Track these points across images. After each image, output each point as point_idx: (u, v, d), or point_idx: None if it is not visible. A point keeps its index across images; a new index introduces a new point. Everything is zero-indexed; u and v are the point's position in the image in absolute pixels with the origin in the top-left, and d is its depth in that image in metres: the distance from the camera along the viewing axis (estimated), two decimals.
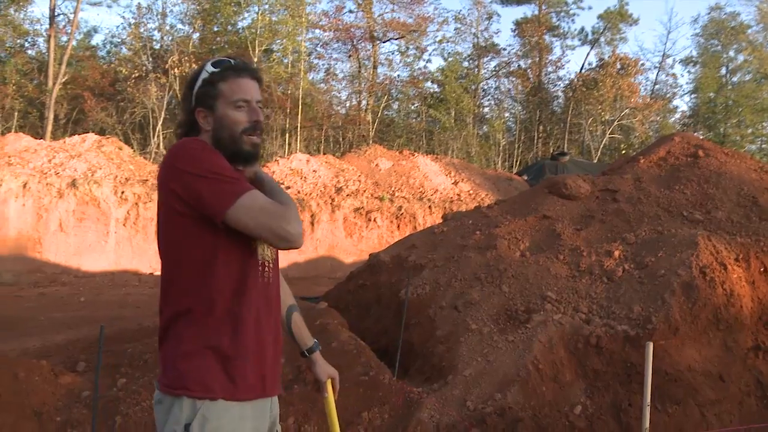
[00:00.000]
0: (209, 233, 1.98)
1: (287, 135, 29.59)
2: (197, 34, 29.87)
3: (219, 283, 2.00)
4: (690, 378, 5.68)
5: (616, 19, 40.31)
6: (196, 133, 2.15)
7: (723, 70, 44.03)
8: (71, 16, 26.39)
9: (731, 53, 43.49)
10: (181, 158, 2.00)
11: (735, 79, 43.70)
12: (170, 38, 28.93)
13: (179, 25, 29.82)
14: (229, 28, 30.34)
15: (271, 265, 2.15)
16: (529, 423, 5.20)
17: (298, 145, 28.70)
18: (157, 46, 28.75)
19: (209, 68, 2.14)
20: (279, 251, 2.22)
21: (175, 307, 2.01)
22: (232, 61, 2.16)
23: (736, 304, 6.24)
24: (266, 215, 1.95)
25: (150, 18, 28.80)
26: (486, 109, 41.39)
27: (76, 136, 20.03)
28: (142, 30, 28.39)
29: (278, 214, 1.96)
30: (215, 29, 30.34)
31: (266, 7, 29.22)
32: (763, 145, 41.76)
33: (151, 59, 27.19)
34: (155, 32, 29.44)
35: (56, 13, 26.09)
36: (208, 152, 2.02)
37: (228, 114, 2.10)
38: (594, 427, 5.31)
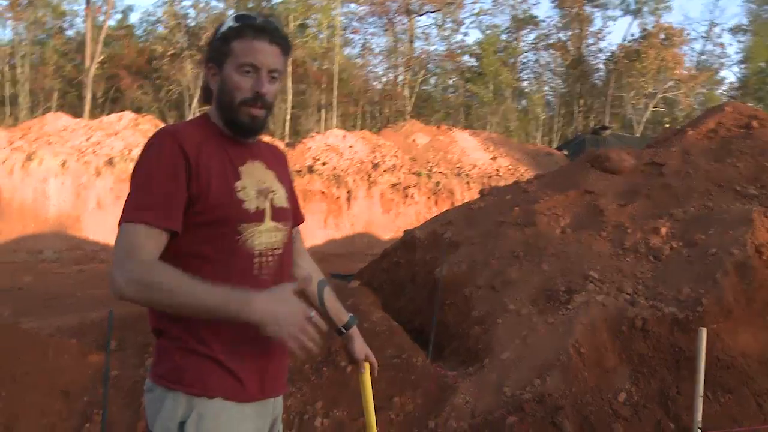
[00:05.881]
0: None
1: (323, 111, 29.44)
2: (232, 11, 29.75)
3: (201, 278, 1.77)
4: (744, 365, 5.33)
5: None
6: (210, 94, 1.94)
7: None
8: None
9: None
10: (142, 150, 1.83)
11: None
12: (205, 15, 28.88)
13: (214, 2, 29.81)
14: (264, 3, 30.16)
15: (272, 254, 1.91)
16: (569, 411, 4.92)
17: (335, 120, 28.53)
18: (192, 24, 28.75)
19: (230, 22, 1.89)
20: (291, 230, 2.01)
21: None
22: (256, 18, 1.89)
23: None
24: (116, 251, 1.72)
25: None
26: (525, 83, 40.79)
27: (113, 114, 20.16)
28: (177, 7, 28.37)
29: (117, 260, 1.71)
30: (250, 5, 30.17)
31: None
32: None
33: (186, 36, 27.19)
34: (190, 9, 29.43)
35: None
36: (156, 151, 1.79)
37: (232, 77, 1.85)
38: (640, 416, 5.00)
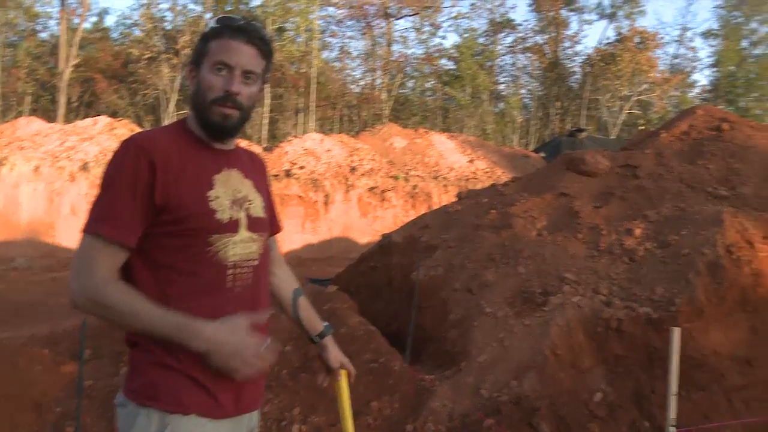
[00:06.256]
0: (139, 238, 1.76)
1: (301, 115, 29.37)
2: (209, 14, 29.61)
3: (169, 292, 1.75)
4: (716, 362, 5.39)
5: None
6: None
7: (744, 43, 43.16)
8: None
9: (754, 25, 42.62)
10: (109, 159, 1.82)
11: (757, 51, 42.84)
12: (182, 18, 28.71)
13: (191, 5, 29.66)
14: (242, 6, 30.08)
15: (247, 266, 1.87)
16: (546, 412, 4.95)
17: (312, 124, 28.47)
18: (169, 27, 28.53)
19: (212, 23, 1.88)
20: (267, 240, 1.98)
21: None
22: (236, 20, 1.86)
23: (764, 284, 5.92)
24: (74, 261, 1.73)
25: None
26: (502, 86, 41.01)
27: (88, 119, 19.95)
28: (153, 10, 28.16)
29: (73, 270, 1.72)
30: (227, 8, 30.04)
31: None
32: None
33: (163, 40, 27.00)
34: (167, 12, 29.22)
35: None
36: (119, 162, 1.76)
37: (205, 76, 1.82)
38: (615, 415, 5.04)
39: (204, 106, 1.83)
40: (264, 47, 1.88)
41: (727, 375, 5.34)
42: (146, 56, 25.65)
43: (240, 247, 1.84)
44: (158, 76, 25.36)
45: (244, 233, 1.85)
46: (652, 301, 5.68)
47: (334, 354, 2.21)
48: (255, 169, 2.02)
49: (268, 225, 2.01)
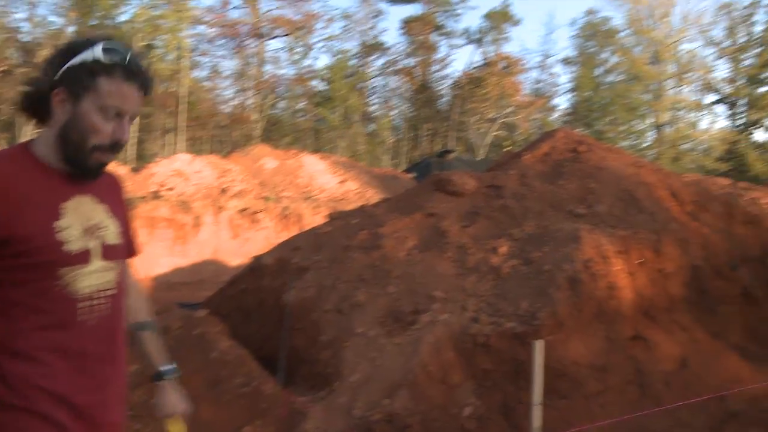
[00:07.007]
0: None
1: (170, 135, 28.56)
2: (72, 27, 28.25)
3: (18, 327, 1.63)
4: (575, 372, 5.67)
5: (499, 19, 41.52)
6: (44, 114, 1.74)
7: (598, 71, 46.24)
8: None
9: (605, 55, 45.76)
10: None
11: (609, 79, 46.01)
12: (41, 31, 27.25)
13: (52, 17, 28.21)
14: (108, 21, 28.84)
15: (103, 296, 1.77)
16: (418, 428, 5.01)
17: (182, 144, 27.72)
18: (27, 39, 27.01)
19: (98, 53, 1.68)
20: (126, 267, 1.88)
21: None
22: (128, 57, 1.71)
23: (617, 296, 6.31)
24: None
25: (17, 7, 27.11)
26: (373, 108, 41.63)
27: None
28: (6, 20, 26.55)
29: None
30: (92, 23, 28.75)
31: (147, 0, 28.02)
32: (635, 142, 44.10)
33: (19, 52, 25.52)
34: (24, 23, 27.66)
35: None
36: None
37: (90, 116, 1.68)
38: (484, 427, 5.18)
39: (82, 149, 1.71)
40: (150, 91, 1.80)
41: (586, 382, 5.63)
42: (1, 69, 24.14)
43: (93, 277, 1.74)
44: (14, 91, 23.89)
45: (97, 263, 1.75)
46: (517, 315, 5.89)
47: (167, 401, 2.08)
48: (111, 192, 1.91)
49: (125, 251, 1.91)
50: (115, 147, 1.73)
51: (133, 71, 1.72)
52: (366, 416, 5.16)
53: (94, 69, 1.68)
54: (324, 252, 7.43)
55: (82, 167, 1.73)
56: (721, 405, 5.95)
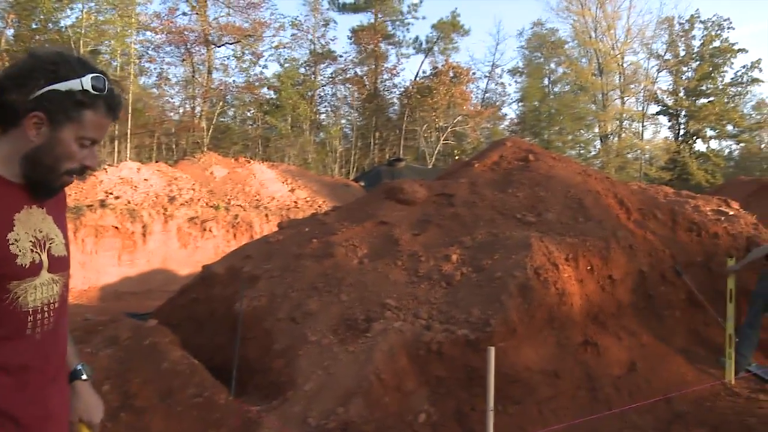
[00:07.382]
0: None
1: (116, 142, 27.97)
2: (11, 31, 27.47)
3: None
4: (528, 377, 5.75)
5: (448, 30, 41.94)
6: (7, 126, 1.67)
7: (546, 81, 47.08)
8: None
9: (552, 65, 46.64)
10: None
11: (556, 89, 46.89)
12: None
13: None
14: (50, 25, 28.04)
15: (49, 309, 1.73)
16: None
17: (129, 152, 27.20)
18: None
19: (87, 83, 1.65)
20: (68, 280, 1.83)
21: None
22: (113, 92, 1.70)
23: (567, 302, 6.42)
24: None
25: None
26: (323, 116, 41.58)
27: None
28: None
29: None
30: (33, 26, 27.96)
31: (92, 5, 27.37)
32: (581, 151, 45.03)
33: None
34: None
35: None
36: None
37: (68, 144, 1.66)
38: None
39: (54, 172, 1.69)
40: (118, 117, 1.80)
41: (538, 388, 5.71)
42: None
43: (41, 291, 1.70)
44: None
45: (45, 275, 1.71)
46: (469, 323, 5.94)
47: (79, 404, 2.00)
48: (56, 202, 1.87)
49: (69, 263, 1.86)
50: (83, 171, 1.73)
51: (115, 105, 1.73)
52: (321, 425, 5.14)
53: (82, 101, 1.66)
54: (275, 260, 7.38)
55: (49, 187, 1.72)
56: (668, 406, 6.11)
